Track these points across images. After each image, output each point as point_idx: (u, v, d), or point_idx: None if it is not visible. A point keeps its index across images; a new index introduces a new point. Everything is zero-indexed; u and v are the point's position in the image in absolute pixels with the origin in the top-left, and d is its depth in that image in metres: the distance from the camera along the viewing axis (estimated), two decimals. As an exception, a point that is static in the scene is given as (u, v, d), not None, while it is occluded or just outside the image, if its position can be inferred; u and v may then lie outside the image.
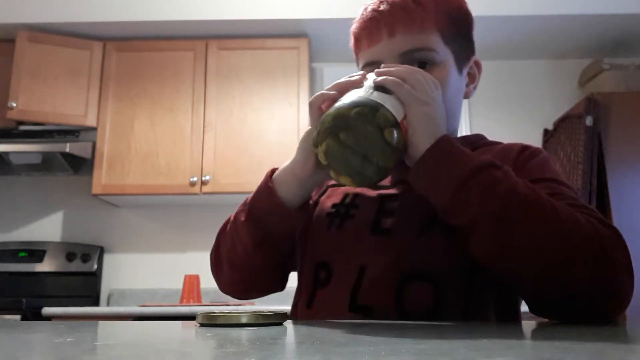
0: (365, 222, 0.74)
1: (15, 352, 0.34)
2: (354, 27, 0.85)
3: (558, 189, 0.68)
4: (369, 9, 0.81)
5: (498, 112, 3.23)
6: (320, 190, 0.86)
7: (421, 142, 0.62)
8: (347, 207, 0.78)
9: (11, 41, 2.88)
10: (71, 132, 2.93)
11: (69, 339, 0.41)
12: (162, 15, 2.89)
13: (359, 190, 0.78)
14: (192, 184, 2.78)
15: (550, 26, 2.93)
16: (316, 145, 0.63)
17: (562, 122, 2.90)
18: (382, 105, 0.61)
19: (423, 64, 0.76)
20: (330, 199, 0.82)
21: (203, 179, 2.78)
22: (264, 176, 0.76)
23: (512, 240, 0.58)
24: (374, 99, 0.62)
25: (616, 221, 2.49)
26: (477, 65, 0.86)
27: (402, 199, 0.74)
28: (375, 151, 0.60)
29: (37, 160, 2.83)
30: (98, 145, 2.84)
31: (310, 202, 0.81)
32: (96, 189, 2.80)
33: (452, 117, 0.79)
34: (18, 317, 2.35)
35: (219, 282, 0.88)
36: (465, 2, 0.85)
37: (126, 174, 2.81)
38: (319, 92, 0.69)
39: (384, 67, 0.68)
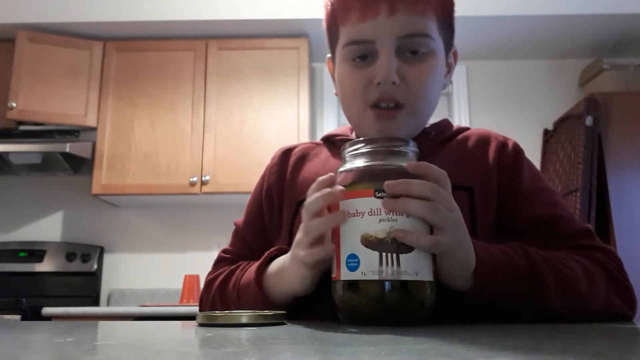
0: None
1: (15, 352, 0.34)
2: None
3: (557, 204, 0.77)
4: None
5: (498, 112, 3.23)
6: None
7: (462, 271, 0.60)
8: None
9: (11, 41, 2.88)
10: (71, 132, 2.92)
11: (69, 339, 0.41)
12: (162, 15, 2.89)
13: None
14: (192, 184, 2.78)
15: (550, 26, 2.93)
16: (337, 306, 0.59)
17: (562, 122, 2.90)
18: (413, 281, 0.54)
19: (415, 52, 0.73)
20: None
21: (203, 179, 2.78)
22: (252, 275, 0.70)
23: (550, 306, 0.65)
24: (402, 269, 0.54)
25: (616, 221, 2.49)
26: (455, 55, 0.83)
27: None
28: (413, 317, 0.56)
29: (37, 160, 2.83)
30: (98, 145, 2.84)
31: None
32: (96, 189, 2.80)
33: (431, 107, 0.78)
34: (18, 317, 2.35)
35: None
36: None
37: (126, 174, 2.81)
38: (317, 199, 0.59)
39: (391, 184, 0.55)
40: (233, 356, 0.31)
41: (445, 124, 0.85)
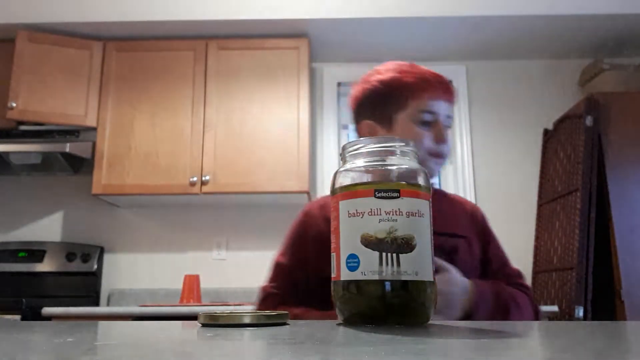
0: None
1: (15, 352, 0.34)
2: (407, 78, 1.11)
3: (505, 255, 1.20)
4: (428, 71, 1.12)
5: (498, 112, 3.23)
6: None
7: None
8: None
9: (11, 41, 2.88)
10: (71, 132, 2.92)
11: (69, 339, 0.41)
12: (162, 15, 2.89)
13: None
14: (192, 184, 2.78)
15: (550, 26, 2.93)
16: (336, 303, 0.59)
17: (562, 122, 2.90)
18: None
19: (446, 127, 1.13)
20: None
21: (203, 179, 2.78)
22: None
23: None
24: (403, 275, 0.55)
25: (616, 221, 2.49)
26: None
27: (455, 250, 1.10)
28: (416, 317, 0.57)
29: (37, 160, 2.83)
30: (98, 145, 2.84)
31: None
32: (96, 189, 2.80)
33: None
34: (18, 317, 2.35)
35: None
36: None
37: (126, 174, 2.81)
38: None
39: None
40: (233, 356, 0.31)
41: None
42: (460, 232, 1.12)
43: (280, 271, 1.11)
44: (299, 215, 1.18)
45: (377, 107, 1.14)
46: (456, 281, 0.98)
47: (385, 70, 1.15)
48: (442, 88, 1.12)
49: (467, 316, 0.99)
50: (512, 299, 1.06)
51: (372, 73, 1.16)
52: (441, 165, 1.15)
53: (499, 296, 1.05)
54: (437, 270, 0.94)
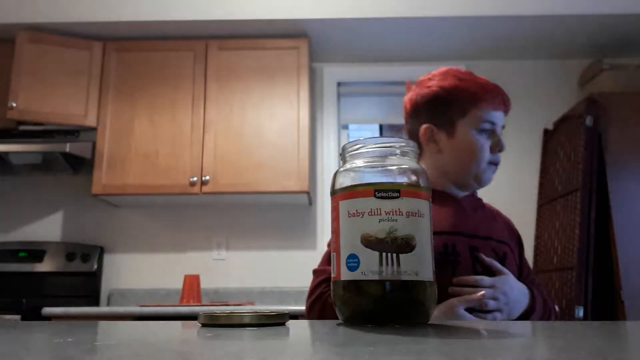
0: (467, 268, 1.07)
1: (15, 352, 0.34)
2: (477, 83, 1.16)
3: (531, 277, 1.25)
4: (488, 82, 1.18)
5: (498, 112, 3.23)
6: None
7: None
8: (454, 254, 1.08)
9: (11, 41, 2.88)
10: (71, 132, 2.93)
11: (69, 339, 0.41)
12: (162, 15, 2.89)
13: (451, 239, 1.10)
14: (192, 184, 2.78)
15: (550, 26, 2.93)
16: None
17: (562, 122, 2.90)
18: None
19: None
20: None
21: (203, 179, 2.78)
22: None
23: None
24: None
25: (616, 221, 2.48)
26: None
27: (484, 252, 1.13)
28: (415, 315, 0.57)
29: (37, 160, 2.83)
30: (98, 145, 2.84)
31: None
32: (96, 189, 2.80)
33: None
34: (18, 317, 2.35)
35: None
36: None
37: (126, 174, 2.81)
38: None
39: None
40: (233, 356, 0.31)
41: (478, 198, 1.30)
42: (507, 239, 1.19)
43: (325, 255, 1.16)
44: None
45: (438, 112, 1.17)
46: (517, 284, 1.07)
47: (444, 75, 1.18)
48: (501, 99, 1.17)
49: (523, 317, 1.07)
50: (552, 306, 1.18)
51: (429, 77, 1.20)
52: (494, 172, 1.21)
53: (546, 302, 1.15)
54: (496, 272, 1.05)
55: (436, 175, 1.18)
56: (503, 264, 1.11)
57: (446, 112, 1.16)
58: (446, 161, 1.17)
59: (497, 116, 1.16)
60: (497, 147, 1.17)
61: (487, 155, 1.16)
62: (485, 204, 1.26)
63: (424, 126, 1.19)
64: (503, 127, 1.20)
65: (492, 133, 1.17)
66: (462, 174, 1.18)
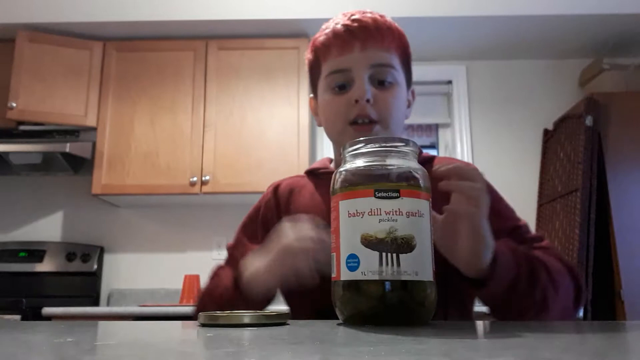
0: None
1: (15, 352, 0.34)
2: (320, 38, 0.93)
3: (516, 217, 0.93)
4: (340, 24, 0.90)
5: (498, 112, 3.23)
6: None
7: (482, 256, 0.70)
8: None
9: (11, 41, 2.88)
10: (71, 132, 2.92)
11: (69, 339, 0.41)
12: (162, 15, 2.89)
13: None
14: (192, 184, 2.78)
15: (550, 26, 2.93)
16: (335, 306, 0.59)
17: (562, 122, 2.90)
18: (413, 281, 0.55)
19: (382, 82, 0.89)
20: None
21: (203, 179, 2.78)
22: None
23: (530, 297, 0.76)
24: (403, 275, 0.54)
25: (616, 221, 2.49)
26: (413, 94, 1.00)
27: None
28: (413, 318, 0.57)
29: (37, 160, 2.83)
30: (98, 145, 2.84)
31: None
32: (96, 189, 2.80)
33: (400, 128, 0.93)
34: (18, 317, 2.35)
35: None
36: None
37: (126, 174, 2.81)
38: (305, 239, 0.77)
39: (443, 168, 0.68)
40: (233, 356, 0.31)
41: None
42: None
43: (230, 255, 0.99)
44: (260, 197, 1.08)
45: (309, 78, 0.99)
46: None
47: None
48: (352, 35, 0.88)
49: (484, 278, 0.70)
50: (538, 261, 0.77)
51: None
52: (373, 133, 0.88)
53: (517, 253, 0.75)
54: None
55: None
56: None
57: (310, 77, 0.98)
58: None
59: (349, 60, 0.88)
60: (352, 97, 0.87)
61: (340, 114, 0.89)
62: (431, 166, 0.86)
63: (309, 98, 1.02)
64: (385, 66, 0.89)
65: (350, 82, 0.89)
66: (333, 146, 0.97)
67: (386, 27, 0.91)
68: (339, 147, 0.90)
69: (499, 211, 0.90)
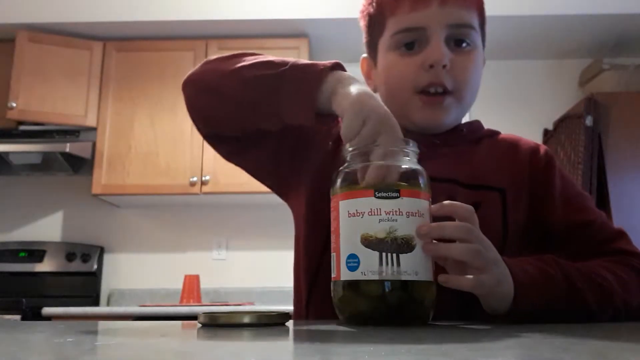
0: None
1: (15, 352, 0.34)
2: None
3: (589, 210, 0.80)
4: None
5: (498, 112, 3.23)
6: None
7: (507, 297, 0.60)
8: None
9: (11, 41, 2.88)
10: (71, 132, 2.92)
11: (69, 339, 0.41)
12: (162, 15, 2.89)
13: None
14: (192, 184, 2.78)
15: (550, 26, 2.93)
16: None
17: (562, 122, 2.90)
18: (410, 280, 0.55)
19: (460, 42, 0.76)
20: None
21: (203, 179, 2.78)
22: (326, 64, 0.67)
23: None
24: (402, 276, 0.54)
25: (616, 221, 2.48)
26: (484, 62, 0.88)
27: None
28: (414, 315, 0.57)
29: (37, 160, 2.83)
30: (98, 145, 2.84)
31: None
32: (96, 189, 2.80)
33: (473, 98, 0.81)
34: (18, 317, 2.34)
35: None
36: None
37: (126, 174, 2.81)
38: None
39: (428, 228, 0.56)
40: (233, 356, 0.31)
41: (477, 124, 0.86)
42: (494, 183, 0.77)
43: None
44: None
45: (367, 35, 0.85)
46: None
47: None
48: None
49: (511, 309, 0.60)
50: (581, 274, 0.65)
51: None
52: (442, 106, 0.76)
53: (558, 270, 0.64)
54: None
55: None
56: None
57: (369, 34, 0.84)
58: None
59: (425, 16, 0.74)
60: (426, 60, 0.74)
61: (407, 80, 0.76)
62: (485, 142, 0.83)
63: (362, 59, 0.87)
64: (464, 26, 0.76)
65: (422, 43, 0.75)
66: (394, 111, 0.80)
67: None
68: (400, 117, 0.70)
69: (568, 199, 0.78)
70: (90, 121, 2.86)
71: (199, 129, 0.82)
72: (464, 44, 0.76)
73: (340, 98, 0.63)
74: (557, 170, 0.81)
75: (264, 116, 0.72)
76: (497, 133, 0.86)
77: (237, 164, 0.86)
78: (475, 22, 0.78)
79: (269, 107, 0.69)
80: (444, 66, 0.73)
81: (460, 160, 0.78)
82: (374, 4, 0.81)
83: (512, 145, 0.83)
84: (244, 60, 0.73)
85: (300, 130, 0.78)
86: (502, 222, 0.76)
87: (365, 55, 0.86)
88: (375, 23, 0.81)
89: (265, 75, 0.69)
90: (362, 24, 0.85)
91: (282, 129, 0.74)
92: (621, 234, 0.79)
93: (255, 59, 0.72)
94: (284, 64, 0.68)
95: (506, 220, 0.76)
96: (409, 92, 0.76)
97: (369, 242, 0.55)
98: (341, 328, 0.52)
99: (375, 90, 0.83)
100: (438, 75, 0.74)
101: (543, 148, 0.83)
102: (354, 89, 0.63)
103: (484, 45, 0.83)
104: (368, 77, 0.86)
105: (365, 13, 0.84)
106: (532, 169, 0.80)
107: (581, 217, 0.78)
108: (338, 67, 0.68)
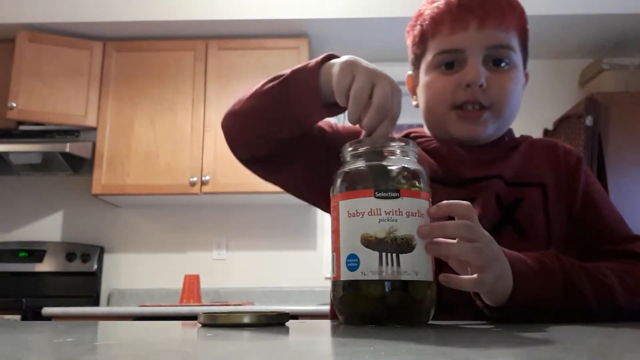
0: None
1: (15, 352, 0.34)
2: (428, 10, 0.84)
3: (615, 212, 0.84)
4: None
5: (498, 112, 3.23)
6: None
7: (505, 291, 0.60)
8: None
9: (11, 41, 2.88)
10: (71, 132, 2.92)
11: (69, 339, 0.41)
12: (162, 15, 2.89)
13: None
14: (192, 184, 2.78)
15: (550, 26, 2.93)
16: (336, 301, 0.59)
17: (562, 122, 2.90)
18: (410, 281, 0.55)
19: (499, 61, 0.81)
20: None
21: (203, 179, 2.78)
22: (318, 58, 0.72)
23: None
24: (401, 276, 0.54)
25: (616, 221, 2.49)
26: (527, 77, 0.94)
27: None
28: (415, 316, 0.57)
29: (37, 160, 2.83)
30: (98, 145, 2.84)
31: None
32: (96, 189, 2.80)
33: (514, 114, 0.86)
34: (18, 317, 2.35)
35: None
36: None
37: (126, 174, 2.81)
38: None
39: (428, 227, 0.56)
40: (233, 356, 0.31)
41: (512, 133, 0.93)
42: (534, 179, 0.82)
43: None
44: None
45: (411, 53, 0.89)
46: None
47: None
48: (468, 10, 0.79)
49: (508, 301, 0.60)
50: (582, 270, 0.66)
51: None
52: (479, 121, 0.79)
53: (558, 264, 0.65)
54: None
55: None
56: (514, 211, 0.78)
57: (413, 53, 0.89)
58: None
59: (463, 39, 0.79)
60: (463, 80, 0.78)
61: (445, 97, 0.80)
62: (523, 145, 0.90)
63: (407, 75, 0.92)
64: (502, 47, 0.81)
65: (461, 63, 0.80)
66: (431, 132, 0.88)
67: (506, 2, 0.82)
68: (436, 131, 0.86)
69: (588, 193, 0.84)
70: (90, 121, 2.86)
71: (237, 156, 0.88)
72: (502, 64, 0.82)
73: (333, 75, 0.67)
74: (584, 169, 0.87)
75: (283, 122, 0.77)
76: (530, 137, 0.94)
77: (275, 182, 0.94)
78: (514, 42, 0.84)
79: (284, 112, 0.75)
80: (481, 85, 0.79)
81: (503, 162, 0.84)
82: (417, 25, 0.87)
83: (550, 146, 0.90)
84: (258, 83, 0.80)
85: (328, 141, 0.83)
86: (544, 215, 0.80)
87: (410, 72, 0.92)
88: (418, 43, 0.87)
89: (272, 86, 0.75)
90: (408, 42, 0.91)
91: (309, 142, 0.80)
92: (635, 238, 0.81)
93: (266, 77, 0.79)
94: (285, 72, 0.75)
95: (547, 213, 0.80)
96: (446, 108, 0.81)
97: (369, 242, 0.55)
98: (341, 328, 0.52)
99: (417, 106, 0.89)
100: (474, 94, 0.79)
101: (576, 151, 0.91)
102: (341, 60, 0.68)
103: (525, 62, 0.89)
104: (413, 93, 0.91)
105: (410, 33, 0.90)
106: (566, 166, 0.86)
107: (597, 212, 0.82)
108: (331, 57, 0.71)
